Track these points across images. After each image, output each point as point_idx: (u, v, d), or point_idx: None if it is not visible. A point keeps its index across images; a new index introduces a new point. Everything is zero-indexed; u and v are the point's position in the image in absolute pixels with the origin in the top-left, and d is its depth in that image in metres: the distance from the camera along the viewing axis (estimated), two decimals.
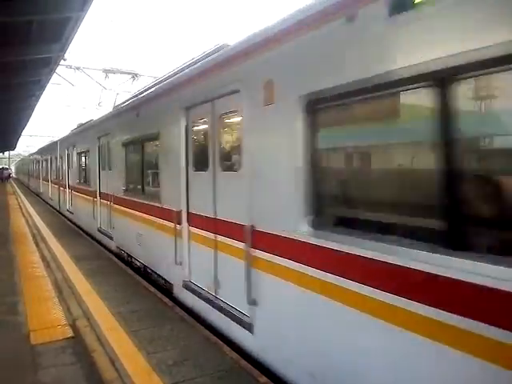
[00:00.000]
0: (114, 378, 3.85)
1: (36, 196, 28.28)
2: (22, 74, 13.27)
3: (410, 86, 2.68)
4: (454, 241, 2.42)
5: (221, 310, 4.93)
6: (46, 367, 4.09)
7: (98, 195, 11.19)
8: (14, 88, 15.13)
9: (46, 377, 3.90)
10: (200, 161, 5.60)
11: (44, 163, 24.98)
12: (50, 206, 20.98)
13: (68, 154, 15.89)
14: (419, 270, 2.52)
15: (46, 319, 5.35)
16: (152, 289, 6.64)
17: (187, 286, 5.82)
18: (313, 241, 3.38)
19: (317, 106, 3.42)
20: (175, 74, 6.83)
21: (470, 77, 2.42)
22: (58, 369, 4.06)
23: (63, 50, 11.28)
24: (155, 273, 7.25)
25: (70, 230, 13.29)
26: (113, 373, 3.95)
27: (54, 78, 17.27)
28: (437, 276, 2.43)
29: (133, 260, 8.48)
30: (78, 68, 21.27)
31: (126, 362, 4.15)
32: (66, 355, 4.35)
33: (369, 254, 2.85)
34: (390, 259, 2.70)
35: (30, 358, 4.29)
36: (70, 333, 4.91)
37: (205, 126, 5.50)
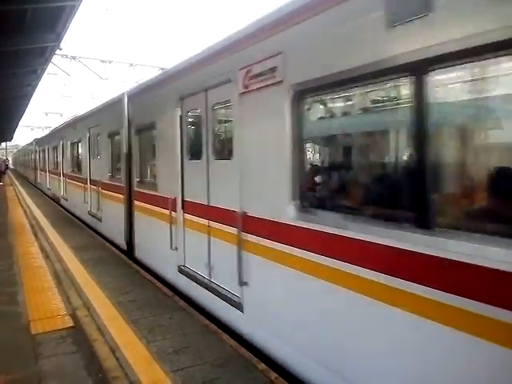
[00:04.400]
0: (115, 367, 3.89)
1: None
2: (17, 63, 13.12)
3: None
4: None
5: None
6: (46, 356, 4.12)
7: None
8: (10, 78, 14.99)
9: (47, 366, 3.94)
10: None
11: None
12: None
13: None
14: None
15: (46, 309, 5.38)
16: (150, 277, 6.67)
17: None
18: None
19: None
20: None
21: None
22: (58, 358, 4.09)
23: (58, 39, 11.14)
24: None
25: (68, 220, 13.30)
26: (113, 362, 3.99)
27: (50, 67, 17.14)
28: None
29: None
30: (74, 57, 21.10)
31: (127, 351, 4.19)
32: (67, 344, 4.38)
33: None
34: None
35: (30, 347, 4.32)
36: (70, 322, 4.94)
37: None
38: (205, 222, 5.39)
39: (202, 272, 5.53)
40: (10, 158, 74.75)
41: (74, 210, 14.43)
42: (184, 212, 5.99)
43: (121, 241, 8.90)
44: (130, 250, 8.45)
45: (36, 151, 28.09)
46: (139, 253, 8.07)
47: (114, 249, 8.89)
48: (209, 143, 5.27)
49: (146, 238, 7.73)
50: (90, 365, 3.96)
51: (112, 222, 9.84)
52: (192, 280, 5.70)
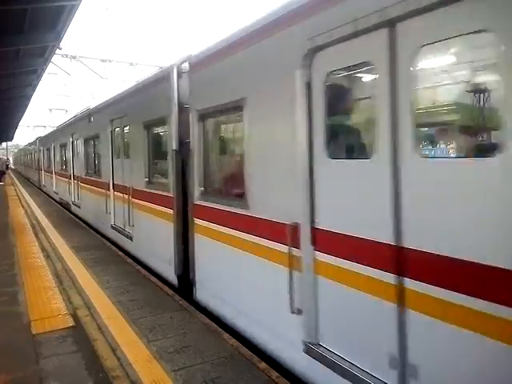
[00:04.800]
0: (116, 366, 3.89)
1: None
2: (17, 63, 13.12)
3: None
4: None
5: None
6: (47, 356, 4.11)
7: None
8: (10, 78, 15.01)
9: (48, 365, 3.93)
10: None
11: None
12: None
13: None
14: None
15: (47, 309, 5.38)
16: (152, 278, 6.68)
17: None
18: None
19: None
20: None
21: None
22: (59, 358, 4.09)
23: (58, 39, 11.14)
24: None
25: (69, 220, 13.30)
26: (114, 361, 3.99)
27: (51, 67, 17.17)
28: None
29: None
30: (74, 57, 21.14)
31: (127, 350, 4.19)
32: (68, 344, 4.38)
33: None
34: None
35: (31, 347, 4.32)
36: (70, 322, 4.94)
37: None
38: (387, 277, 2.87)
39: (381, 374, 2.95)
40: (10, 158, 75.08)
41: (89, 219, 12.30)
42: (317, 249, 3.52)
43: (169, 272, 6.46)
44: (183, 287, 6.13)
45: (40, 150, 26.95)
46: (207, 297, 5.51)
47: (114, 248, 8.89)
48: (398, 127, 2.76)
49: (225, 281, 5.04)
50: (90, 364, 3.95)
51: (150, 244, 7.42)
52: (342, 376, 3.20)
